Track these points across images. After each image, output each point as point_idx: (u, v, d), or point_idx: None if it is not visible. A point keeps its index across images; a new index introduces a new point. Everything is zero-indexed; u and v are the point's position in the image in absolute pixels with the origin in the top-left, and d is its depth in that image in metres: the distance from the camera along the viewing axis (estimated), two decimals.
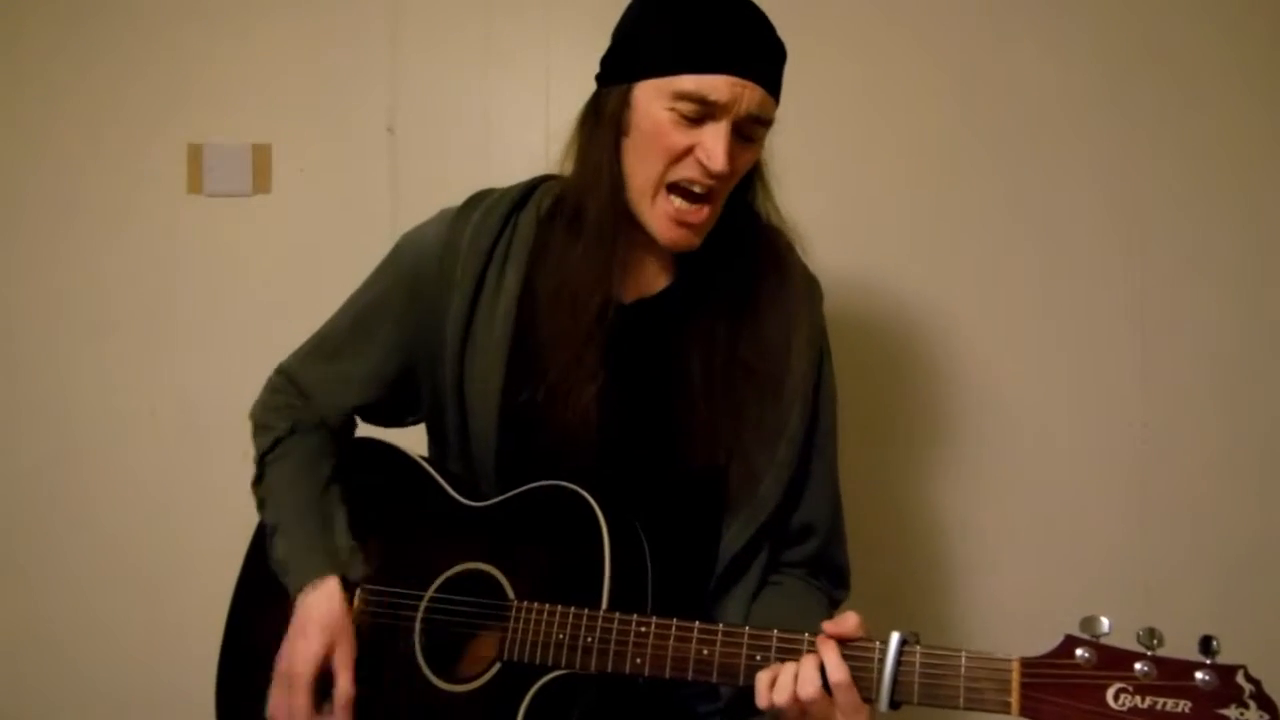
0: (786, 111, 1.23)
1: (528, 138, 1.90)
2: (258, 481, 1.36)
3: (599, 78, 1.27)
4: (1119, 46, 1.88)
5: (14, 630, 1.99)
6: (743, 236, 1.29)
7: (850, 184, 1.90)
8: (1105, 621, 0.91)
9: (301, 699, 1.19)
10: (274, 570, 1.29)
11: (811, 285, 1.36)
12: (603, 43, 1.30)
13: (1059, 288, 1.90)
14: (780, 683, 1.02)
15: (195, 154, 1.96)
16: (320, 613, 1.22)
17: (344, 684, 1.21)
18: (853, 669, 1.00)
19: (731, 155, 1.17)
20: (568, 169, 1.28)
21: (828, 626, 1.03)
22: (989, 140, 1.90)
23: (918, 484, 1.91)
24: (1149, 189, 1.89)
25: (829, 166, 1.88)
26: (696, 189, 1.19)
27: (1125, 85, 1.88)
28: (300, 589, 1.24)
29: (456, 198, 1.37)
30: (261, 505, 1.35)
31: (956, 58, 1.90)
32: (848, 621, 1.02)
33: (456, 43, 1.95)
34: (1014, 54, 1.89)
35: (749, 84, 1.16)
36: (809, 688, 1.00)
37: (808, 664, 1.02)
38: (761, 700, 1.04)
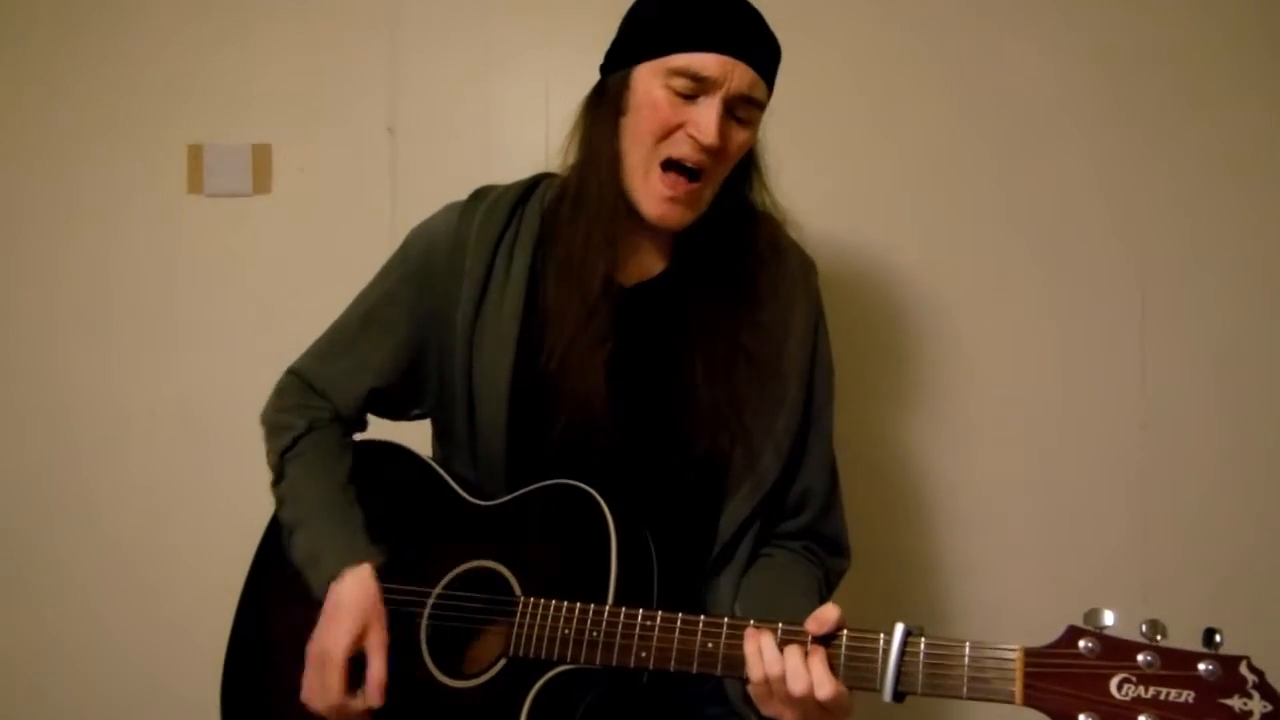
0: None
1: (528, 138, 1.89)
2: (277, 481, 1.36)
3: (602, 68, 1.31)
4: (1120, 45, 1.88)
5: (12, 629, 1.99)
6: (738, 223, 1.32)
7: (850, 187, 1.90)
8: (1109, 614, 0.91)
9: (335, 679, 1.19)
10: (297, 567, 1.29)
11: (808, 267, 1.40)
12: (602, 42, 1.33)
13: (1059, 287, 1.90)
14: (769, 661, 1.03)
15: (195, 154, 1.96)
16: (354, 598, 1.22)
17: (377, 667, 1.20)
18: (857, 660, 1.00)
19: (723, 133, 1.21)
20: (570, 157, 1.32)
21: (810, 625, 1.03)
22: (989, 139, 1.90)
23: (917, 483, 1.91)
24: (1150, 188, 1.88)
25: (829, 170, 1.88)
26: (690, 164, 1.22)
27: (1127, 84, 1.88)
28: (332, 578, 1.24)
29: (457, 197, 1.39)
30: (281, 504, 1.35)
31: (958, 55, 1.90)
32: (828, 618, 1.02)
33: (456, 43, 1.95)
34: (1015, 51, 1.89)
35: (739, 63, 1.21)
36: (799, 684, 1.01)
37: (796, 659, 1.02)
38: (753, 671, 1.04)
